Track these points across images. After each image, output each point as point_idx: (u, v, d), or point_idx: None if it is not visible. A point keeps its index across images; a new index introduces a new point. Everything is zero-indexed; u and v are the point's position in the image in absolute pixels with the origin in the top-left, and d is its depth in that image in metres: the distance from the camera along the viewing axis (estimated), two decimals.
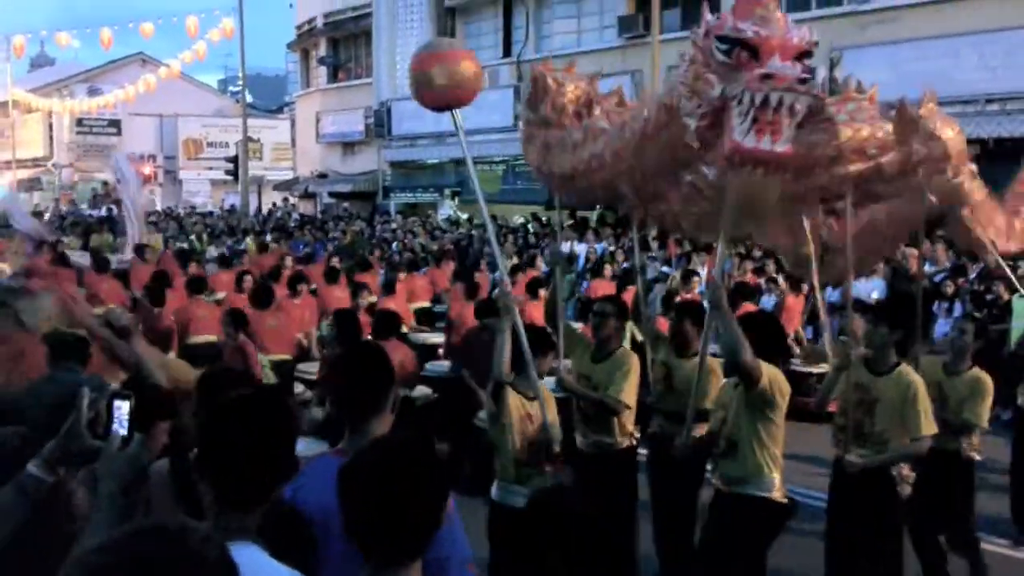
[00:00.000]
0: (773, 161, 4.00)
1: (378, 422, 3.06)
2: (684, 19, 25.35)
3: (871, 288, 12.55)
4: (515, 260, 15.97)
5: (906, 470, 5.39)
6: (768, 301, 12.91)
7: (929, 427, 5.30)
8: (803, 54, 4.00)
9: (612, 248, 17.68)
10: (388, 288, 12.39)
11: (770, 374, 4.94)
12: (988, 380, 6.21)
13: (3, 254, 15.00)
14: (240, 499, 2.36)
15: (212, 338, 9.87)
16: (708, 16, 4.16)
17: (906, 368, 5.43)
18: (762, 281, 13.56)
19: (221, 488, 2.36)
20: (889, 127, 5.04)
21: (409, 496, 2.17)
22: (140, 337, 4.48)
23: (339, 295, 11.89)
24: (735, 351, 4.76)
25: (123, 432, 2.63)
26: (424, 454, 2.29)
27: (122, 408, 2.74)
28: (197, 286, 11.14)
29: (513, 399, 5.17)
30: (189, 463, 3.16)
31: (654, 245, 17.34)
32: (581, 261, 17.19)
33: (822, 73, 20.87)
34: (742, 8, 4.01)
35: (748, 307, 9.68)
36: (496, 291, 5.77)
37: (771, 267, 13.94)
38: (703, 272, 14.16)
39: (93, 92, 46.01)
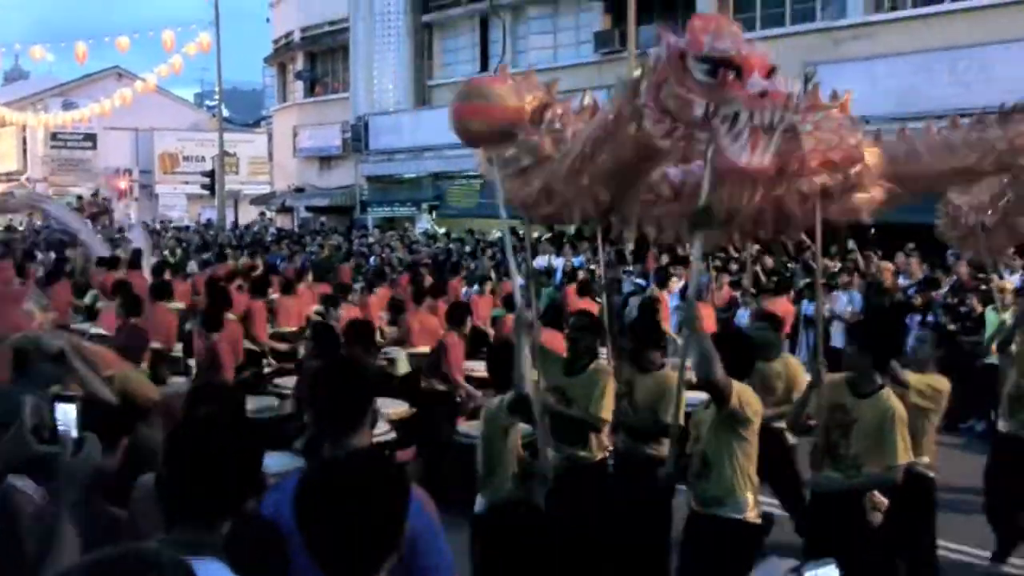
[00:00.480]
0: (762, 174, 4.05)
1: (357, 437, 3.04)
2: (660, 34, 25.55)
3: (846, 302, 12.64)
4: (492, 274, 15.99)
5: (878, 496, 5.27)
6: (744, 315, 12.95)
7: (905, 455, 5.16)
8: (773, 70, 4.05)
9: (589, 262, 17.72)
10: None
11: (739, 392, 4.95)
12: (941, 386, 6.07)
13: None
14: (202, 513, 2.36)
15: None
16: (671, 37, 4.11)
17: (887, 392, 5.29)
18: (738, 295, 13.60)
19: (184, 503, 2.37)
20: (858, 136, 5.02)
21: (365, 513, 2.15)
22: (77, 355, 4.45)
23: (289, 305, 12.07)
24: (707, 369, 4.77)
25: (74, 434, 2.62)
26: (382, 470, 2.27)
27: (68, 412, 2.73)
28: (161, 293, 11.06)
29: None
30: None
31: (631, 259, 17.39)
32: (558, 275, 17.22)
33: (797, 88, 21.04)
34: (704, 27, 4.00)
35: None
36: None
37: (746, 282, 14.00)
38: (679, 283, 14.23)
39: (68, 106, 45.76)
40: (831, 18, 21.82)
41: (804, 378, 6.55)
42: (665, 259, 16.07)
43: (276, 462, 5.62)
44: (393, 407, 8.35)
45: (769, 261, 15.97)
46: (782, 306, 11.39)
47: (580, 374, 6.08)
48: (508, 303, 10.93)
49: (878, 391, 5.26)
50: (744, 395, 5.00)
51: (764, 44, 20.40)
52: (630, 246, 18.54)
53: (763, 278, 14.35)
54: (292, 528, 2.79)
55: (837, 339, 11.71)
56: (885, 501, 5.25)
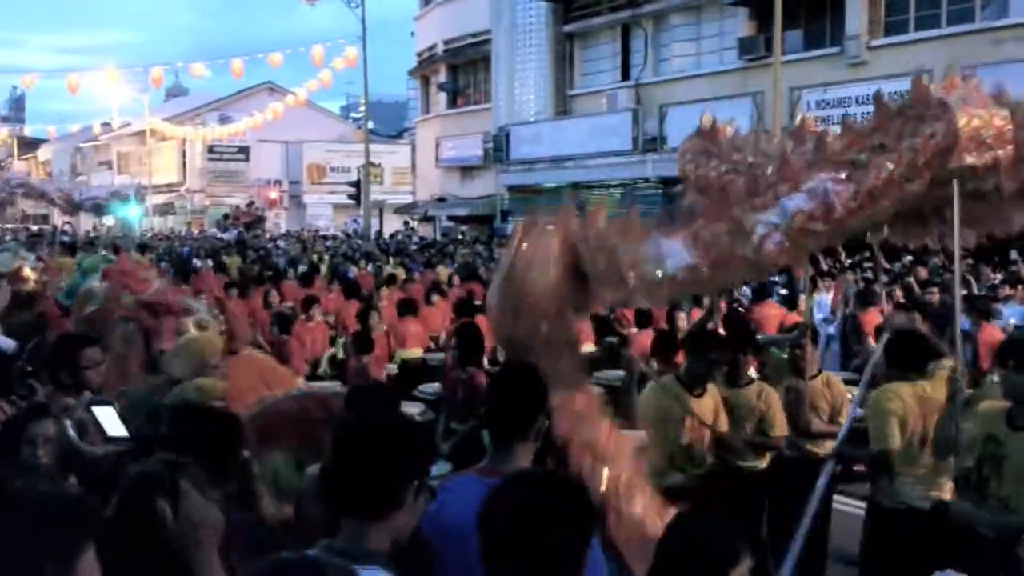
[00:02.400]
0: None
1: (522, 447, 3.06)
2: (807, 40, 24.94)
3: (1007, 316, 11.97)
4: None
5: None
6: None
7: None
8: None
9: None
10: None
11: None
12: None
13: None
14: (365, 514, 2.39)
15: None
16: None
17: None
18: (890, 307, 13.11)
19: (346, 502, 2.42)
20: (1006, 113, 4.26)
21: (553, 534, 2.14)
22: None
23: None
24: None
25: (124, 433, 2.70)
26: (572, 491, 2.27)
27: (108, 413, 2.82)
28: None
29: None
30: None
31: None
32: None
33: None
34: None
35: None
36: None
37: (898, 293, 13.51)
38: (827, 297, 13.84)
39: (224, 120, 47.85)
40: (992, 18, 20.86)
41: (846, 396, 6.46)
42: (810, 270, 15.66)
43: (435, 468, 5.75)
44: None
45: (923, 272, 15.36)
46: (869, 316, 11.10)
47: (744, 388, 6.24)
48: (640, 316, 10.74)
49: None
50: None
51: (917, 47, 19.65)
52: None
53: (917, 289, 13.81)
54: (457, 530, 2.85)
55: None
56: None
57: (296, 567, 1.75)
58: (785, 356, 6.90)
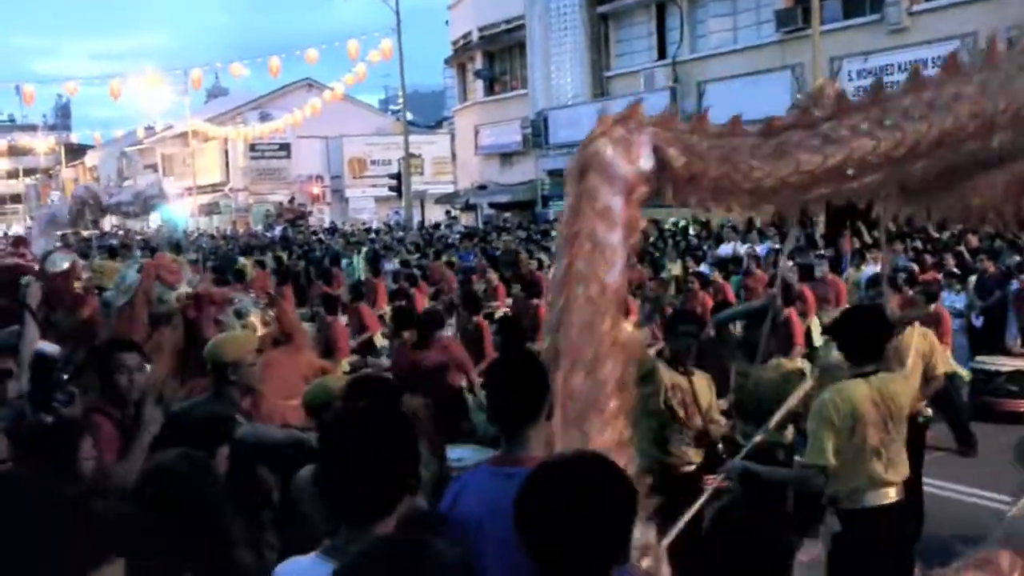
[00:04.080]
0: None
1: (534, 431, 3.00)
2: (845, 8, 24.50)
3: None
4: (678, 263, 15.79)
5: None
6: (952, 298, 12.23)
7: None
8: None
9: (777, 247, 17.16)
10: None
11: None
12: None
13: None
14: (358, 516, 2.37)
15: None
16: None
17: None
18: (940, 276, 12.86)
19: (338, 504, 2.40)
20: None
21: (592, 520, 2.10)
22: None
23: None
24: None
25: None
26: (612, 476, 2.22)
27: None
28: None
29: None
30: None
31: (822, 242, 16.76)
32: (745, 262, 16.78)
33: None
34: None
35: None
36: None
37: (951, 262, 13.26)
38: (875, 269, 13.60)
39: (264, 118, 48.21)
40: None
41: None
42: (856, 242, 15.45)
43: (460, 454, 5.74)
44: None
45: (973, 240, 15.06)
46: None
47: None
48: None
49: None
50: None
51: (961, 10, 19.19)
52: (820, 229, 17.88)
53: (967, 258, 13.55)
54: (474, 520, 2.82)
55: None
56: None
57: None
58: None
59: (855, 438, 4.60)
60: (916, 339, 6.56)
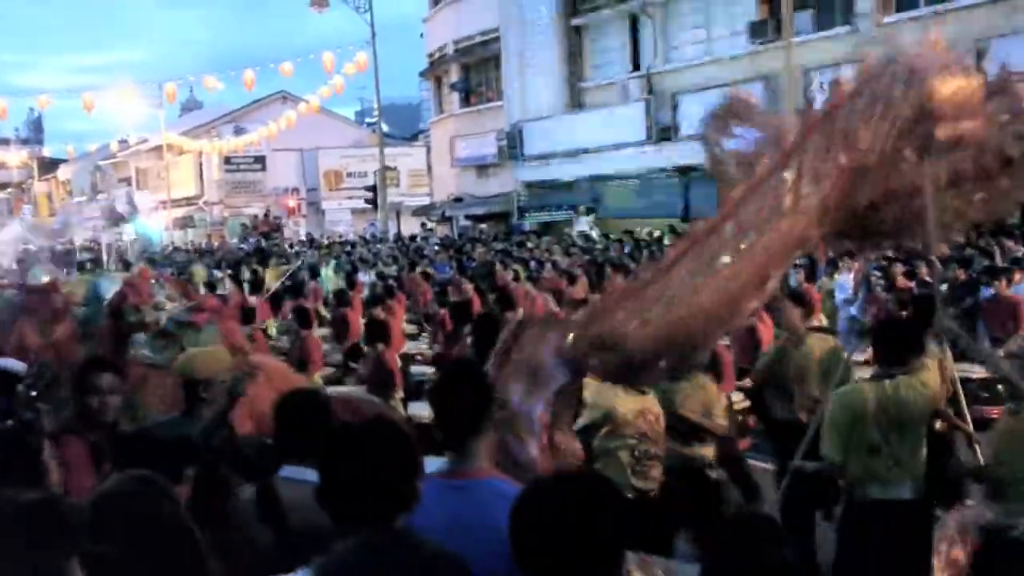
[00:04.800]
0: None
1: (480, 442, 3.01)
2: (817, 20, 24.73)
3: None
4: None
5: None
6: None
7: None
8: None
9: None
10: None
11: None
12: None
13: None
14: (357, 526, 2.40)
15: None
16: None
17: None
18: (913, 284, 12.98)
19: (340, 517, 2.42)
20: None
21: (586, 535, 2.11)
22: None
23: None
24: None
25: None
26: (605, 492, 2.24)
27: None
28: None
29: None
30: (274, 487, 3.25)
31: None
32: None
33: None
34: None
35: None
36: None
37: (923, 270, 13.36)
38: (848, 278, 13.71)
39: (239, 131, 48.03)
40: None
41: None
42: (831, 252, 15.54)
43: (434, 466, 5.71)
44: None
45: (944, 248, 15.17)
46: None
47: None
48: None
49: None
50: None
51: (929, 22, 19.41)
52: None
53: (939, 266, 13.66)
54: (425, 533, 2.83)
55: None
56: None
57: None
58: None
59: (855, 436, 5.12)
60: (816, 349, 7.06)
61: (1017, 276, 11.70)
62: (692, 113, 22.85)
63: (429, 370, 9.99)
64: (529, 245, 25.02)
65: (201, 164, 51.68)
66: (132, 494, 2.73)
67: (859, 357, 11.09)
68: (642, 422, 5.58)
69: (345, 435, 2.58)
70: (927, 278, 12.88)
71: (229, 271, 23.57)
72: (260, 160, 50.88)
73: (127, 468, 2.97)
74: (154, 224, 35.93)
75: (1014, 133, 3.61)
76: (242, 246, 37.28)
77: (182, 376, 4.68)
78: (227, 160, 50.17)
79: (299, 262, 22.17)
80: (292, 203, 50.77)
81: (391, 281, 16.72)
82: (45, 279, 8.52)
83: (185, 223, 52.65)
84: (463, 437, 3.01)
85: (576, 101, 32.76)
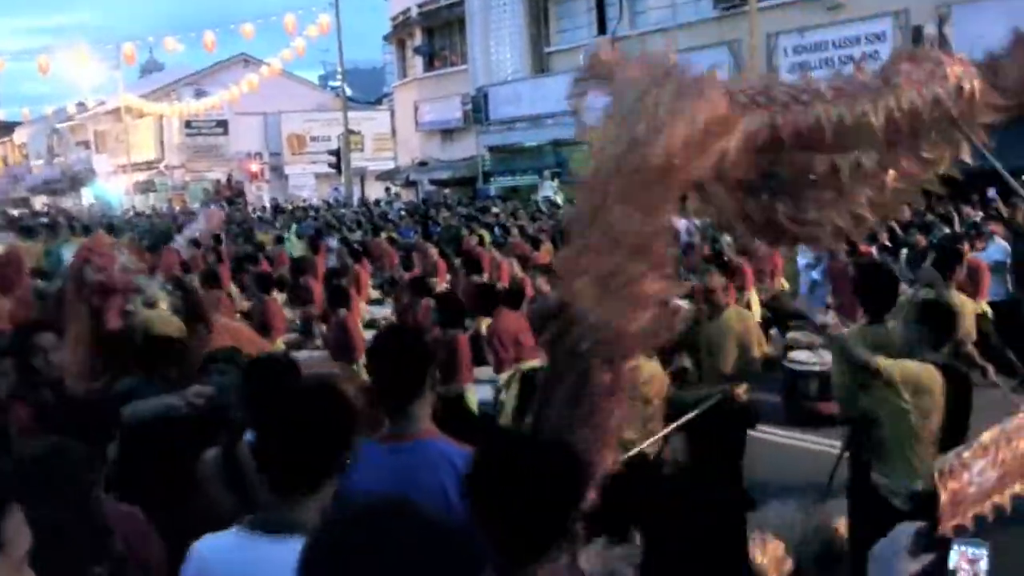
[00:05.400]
0: None
1: (419, 405, 3.02)
2: None
3: (992, 253, 11.90)
4: None
5: None
6: None
7: None
8: None
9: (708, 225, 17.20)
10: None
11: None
12: None
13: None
14: (291, 490, 2.38)
15: None
16: None
17: None
18: (874, 250, 13.09)
19: (274, 478, 2.40)
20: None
21: (540, 497, 2.12)
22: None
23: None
24: None
25: None
26: (561, 454, 2.25)
27: None
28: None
29: None
30: (238, 451, 3.25)
31: None
32: (683, 237, 16.89)
33: (931, 30, 20.10)
34: None
35: None
36: None
37: (883, 235, 13.48)
38: None
39: (200, 94, 47.41)
40: None
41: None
42: None
43: None
44: None
45: (906, 212, 15.34)
46: None
47: None
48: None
49: None
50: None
51: None
52: None
53: (898, 232, 13.80)
54: (364, 498, 2.82)
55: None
56: None
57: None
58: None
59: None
60: (734, 322, 6.70)
61: (980, 244, 11.84)
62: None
63: None
64: (494, 210, 24.96)
65: (162, 128, 50.95)
66: (47, 460, 2.72)
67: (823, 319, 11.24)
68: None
69: (275, 400, 2.56)
70: (886, 243, 13.04)
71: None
72: (222, 124, 50.27)
73: (65, 431, 2.96)
74: (114, 188, 35.43)
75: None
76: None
77: (143, 337, 4.63)
78: (188, 124, 49.53)
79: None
80: (255, 168, 50.26)
81: (356, 247, 16.65)
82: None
83: (146, 188, 51.96)
84: (403, 400, 3.02)
85: (541, 65, 32.60)
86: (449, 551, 1.56)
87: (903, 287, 6.90)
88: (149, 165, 52.04)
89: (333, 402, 2.50)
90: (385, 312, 12.74)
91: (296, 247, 18.88)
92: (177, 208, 41.22)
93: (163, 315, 5.13)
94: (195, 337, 5.20)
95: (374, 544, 1.52)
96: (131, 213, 37.60)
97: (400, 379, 3.02)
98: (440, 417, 3.14)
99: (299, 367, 3.81)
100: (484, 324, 8.67)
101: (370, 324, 10.95)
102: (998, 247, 11.89)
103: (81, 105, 51.66)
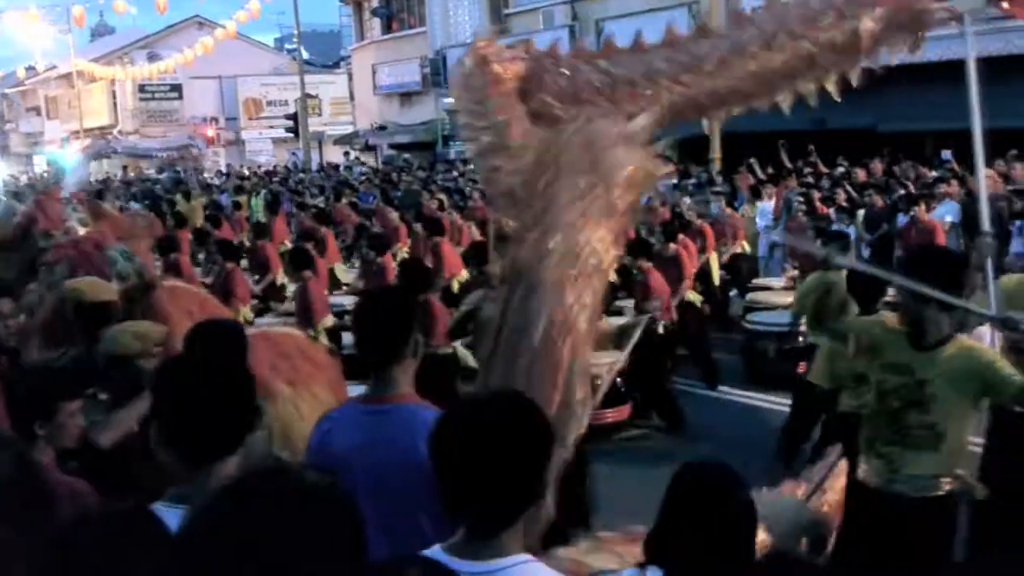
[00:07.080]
0: None
1: (400, 369, 3.02)
2: None
3: (943, 212, 12.08)
4: None
5: None
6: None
7: None
8: None
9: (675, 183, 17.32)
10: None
11: None
12: None
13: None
14: (198, 456, 2.33)
15: None
16: None
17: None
18: (831, 211, 13.26)
19: (179, 449, 2.34)
20: None
21: (505, 458, 2.05)
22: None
23: None
24: None
25: None
26: (527, 413, 2.16)
27: None
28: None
29: None
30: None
31: (719, 179, 17.06)
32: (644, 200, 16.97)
33: None
34: None
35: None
36: None
37: (841, 196, 13.64)
38: (769, 205, 13.95)
39: (153, 58, 46.50)
40: None
41: None
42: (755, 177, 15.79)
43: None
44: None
45: (862, 175, 15.53)
46: None
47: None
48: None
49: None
50: None
51: None
52: (717, 166, 18.20)
53: (854, 194, 13.96)
54: (341, 455, 2.87)
55: None
56: None
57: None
58: None
59: None
60: None
61: (933, 204, 12.02)
62: (617, 41, 22.71)
63: (348, 300, 9.92)
64: (454, 174, 24.87)
65: (114, 92, 49.98)
66: None
67: (782, 282, 11.42)
68: None
69: (165, 369, 2.56)
70: (844, 204, 13.19)
71: (147, 202, 23.12)
72: (176, 88, 49.41)
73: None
74: (67, 155, 34.77)
75: None
76: (159, 177, 36.40)
77: (73, 303, 4.53)
78: (141, 88, 48.62)
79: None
80: (211, 133, 49.53)
81: (315, 211, 16.55)
82: None
83: (100, 153, 51.04)
84: (383, 363, 3.02)
85: (500, 27, 32.35)
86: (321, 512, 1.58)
87: None
88: (102, 131, 51.09)
89: (225, 365, 2.49)
90: (348, 277, 12.72)
91: (262, 213, 18.76)
92: (132, 174, 40.59)
93: (93, 281, 4.99)
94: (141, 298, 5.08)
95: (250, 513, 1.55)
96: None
97: (382, 341, 3.02)
98: (433, 375, 3.16)
99: (244, 332, 3.78)
100: None
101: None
102: (950, 207, 12.09)
103: (31, 69, 50.59)
